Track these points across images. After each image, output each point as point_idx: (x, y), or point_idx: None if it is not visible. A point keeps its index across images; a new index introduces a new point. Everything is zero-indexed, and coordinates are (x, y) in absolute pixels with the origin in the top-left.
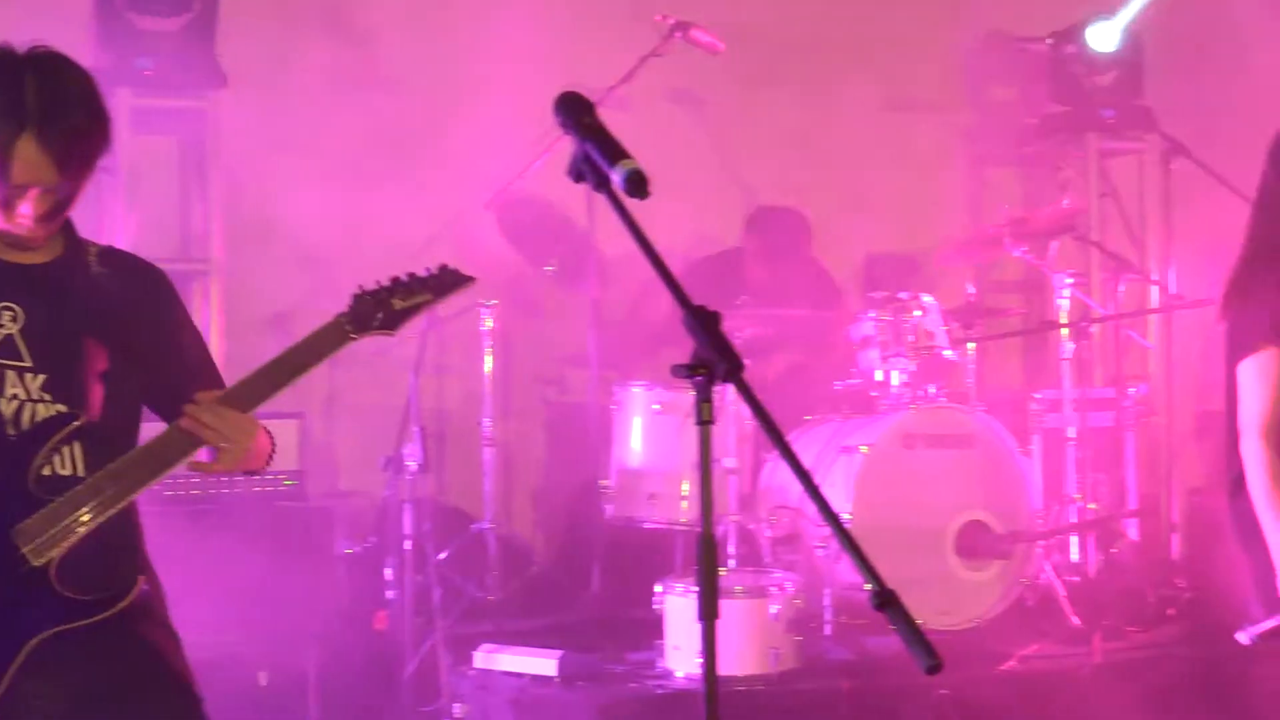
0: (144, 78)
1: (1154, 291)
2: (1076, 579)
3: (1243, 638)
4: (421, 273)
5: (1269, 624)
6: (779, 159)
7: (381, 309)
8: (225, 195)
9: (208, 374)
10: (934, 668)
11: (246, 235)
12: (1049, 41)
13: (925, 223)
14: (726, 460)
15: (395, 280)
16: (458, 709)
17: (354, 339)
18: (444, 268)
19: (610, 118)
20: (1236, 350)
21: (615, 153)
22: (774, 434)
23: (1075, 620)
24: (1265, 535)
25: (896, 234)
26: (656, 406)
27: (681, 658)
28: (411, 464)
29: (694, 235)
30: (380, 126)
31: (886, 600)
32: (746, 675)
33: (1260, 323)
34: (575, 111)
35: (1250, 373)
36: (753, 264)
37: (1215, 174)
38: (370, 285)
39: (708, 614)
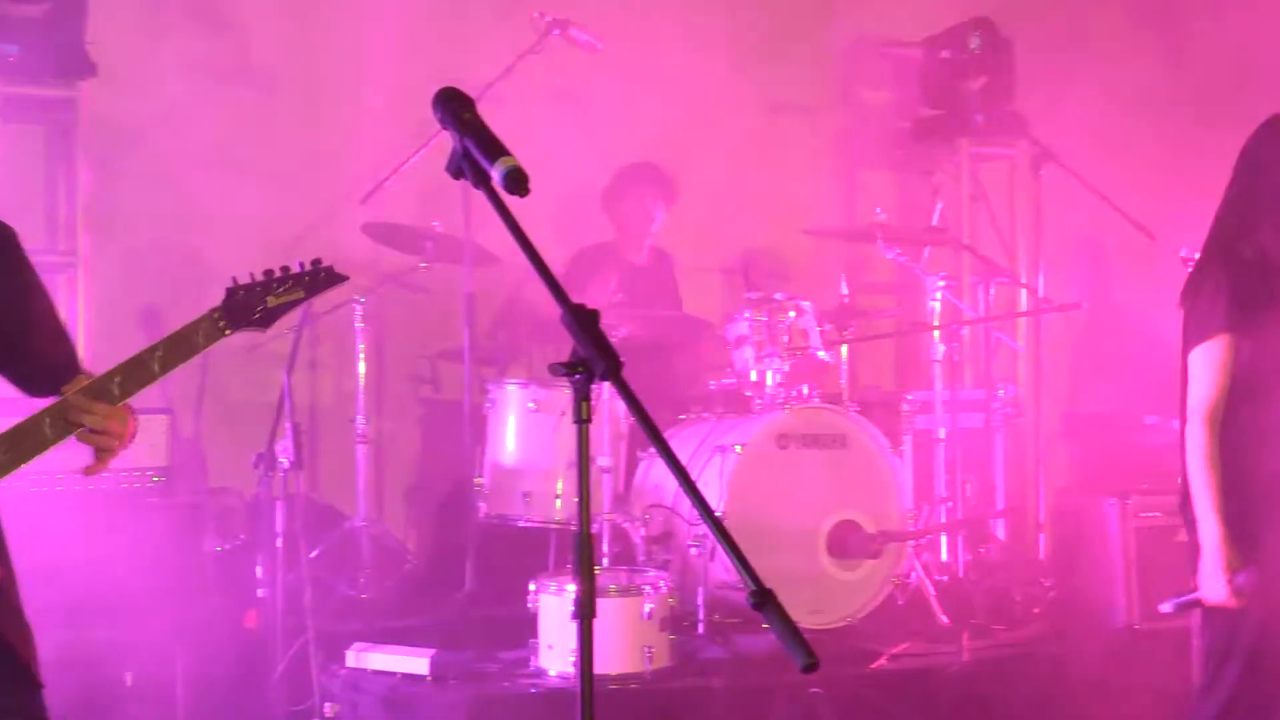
0: (10, 65)
1: (1023, 295)
2: (946, 578)
3: (1165, 607)
4: (295, 268)
5: (1188, 597)
6: (657, 158)
7: (255, 304)
8: (92, 186)
9: (59, 341)
10: (811, 666)
11: (114, 227)
12: (921, 46)
13: (799, 225)
14: (601, 459)
15: (269, 275)
16: (328, 708)
17: (227, 334)
18: (317, 264)
19: (488, 114)
20: (1190, 338)
21: (495, 149)
22: (653, 433)
23: (944, 619)
24: (1197, 514)
25: (771, 235)
26: (531, 404)
27: (555, 656)
28: (283, 461)
29: (573, 232)
30: (251, 119)
31: (764, 599)
32: (620, 674)
33: (1215, 312)
34: (454, 107)
35: (1200, 360)
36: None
37: (1083, 180)
38: (244, 279)
39: (585, 613)
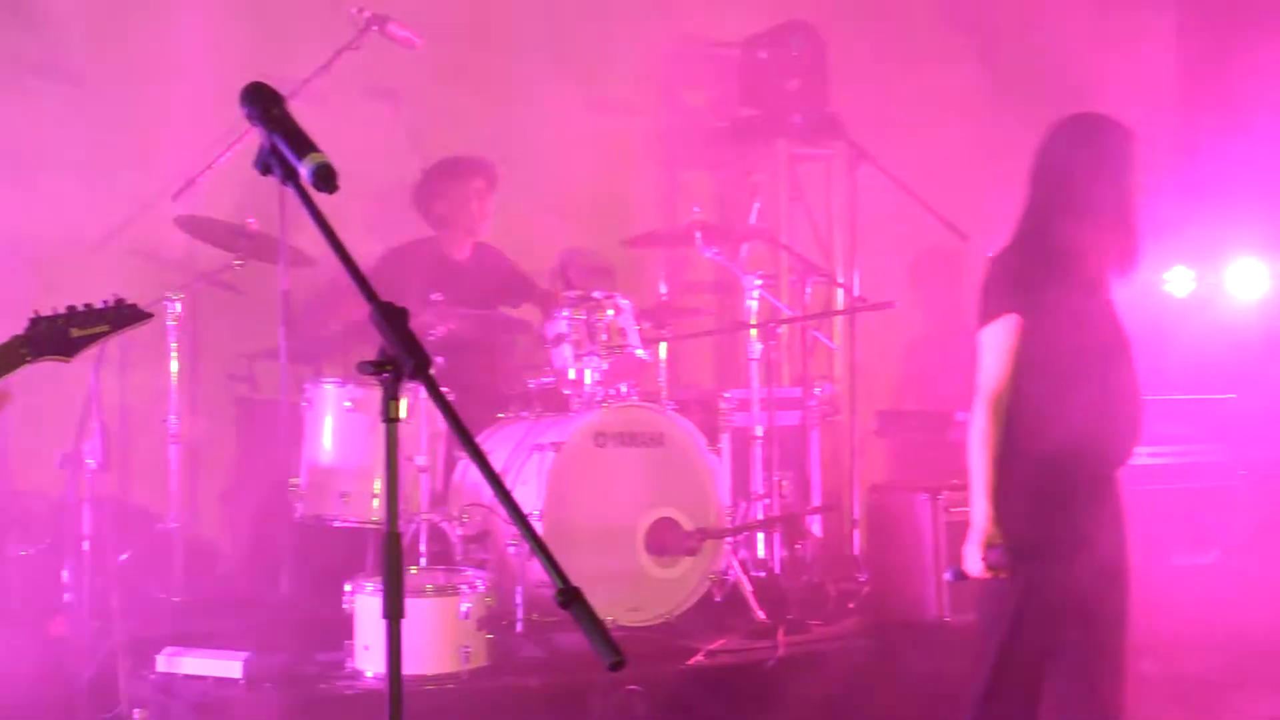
0: None
1: (839, 294)
2: (762, 574)
3: (947, 575)
4: (99, 304)
5: (958, 567)
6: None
7: (59, 335)
8: None
9: None
10: (617, 664)
11: None
12: (740, 47)
13: (619, 223)
14: (418, 458)
15: (72, 310)
16: (138, 714)
17: (29, 362)
18: (121, 302)
19: (304, 111)
20: (980, 318)
21: (303, 146)
22: (461, 432)
23: (761, 615)
24: (972, 490)
25: (592, 234)
26: (348, 404)
27: (371, 658)
28: (91, 462)
29: (393, 229)
30: (62, 115)
31: (570, 598)
32: (436, 674)
33: (1002, 294)
34: (263, 103)
35: (985, 341)
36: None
37: (897, 181)
38: (47, 311)
39: (392, 613)
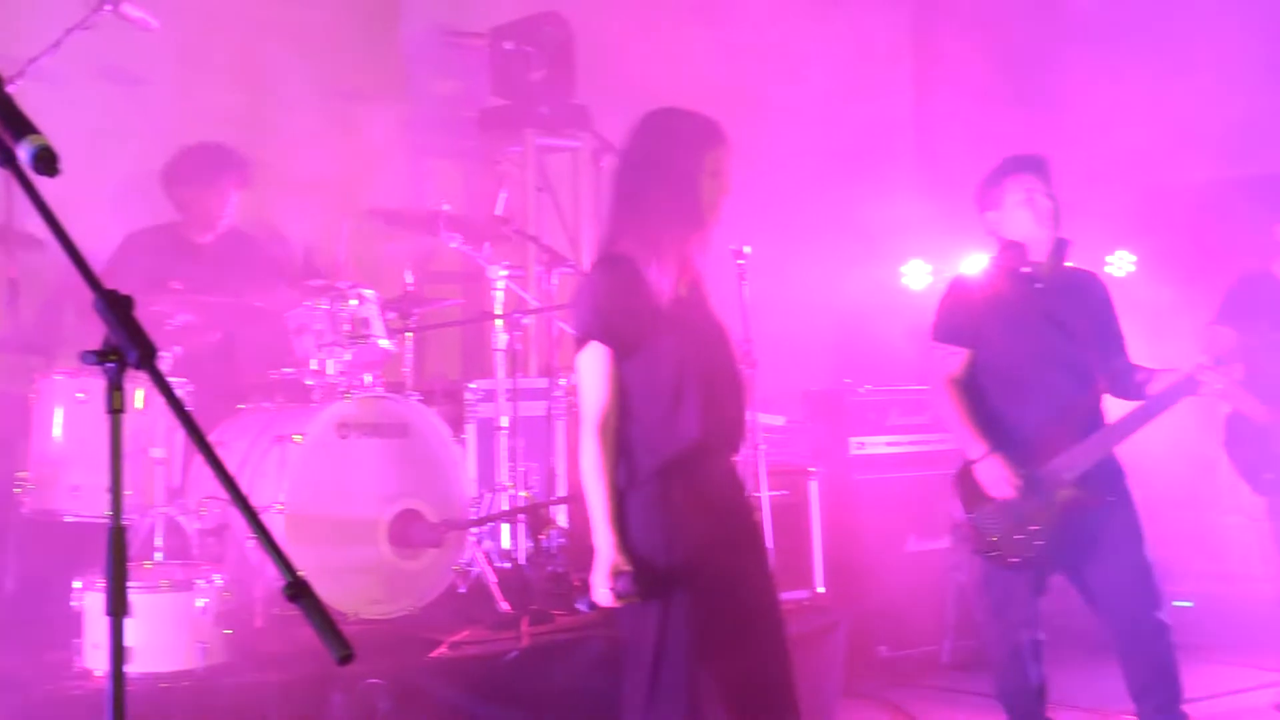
0: None
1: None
2: (507, 565)
3: (581, 605)
4: None
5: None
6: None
7: None
8: None
9: None
10: (346, 658)
11: None
12: (488, 36)
13: (364, 213)
14: (154, 450)
15: None
16: None
17: None
18: None
19: (33, 91)
20: (575, 342)
21: (22, 127)
22: (187, 424)
23: (505, 606)
24: (592, 519)
25: (336, 223)
26: (81, 395)
27: (102, 656)
28: None
29: (135, 214)
30: None
31: (299, 591)
32: (172, 671)
33: (587, 315)
34: None
35: (583, 367)
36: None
37: None
38: None
39: (116, 609)
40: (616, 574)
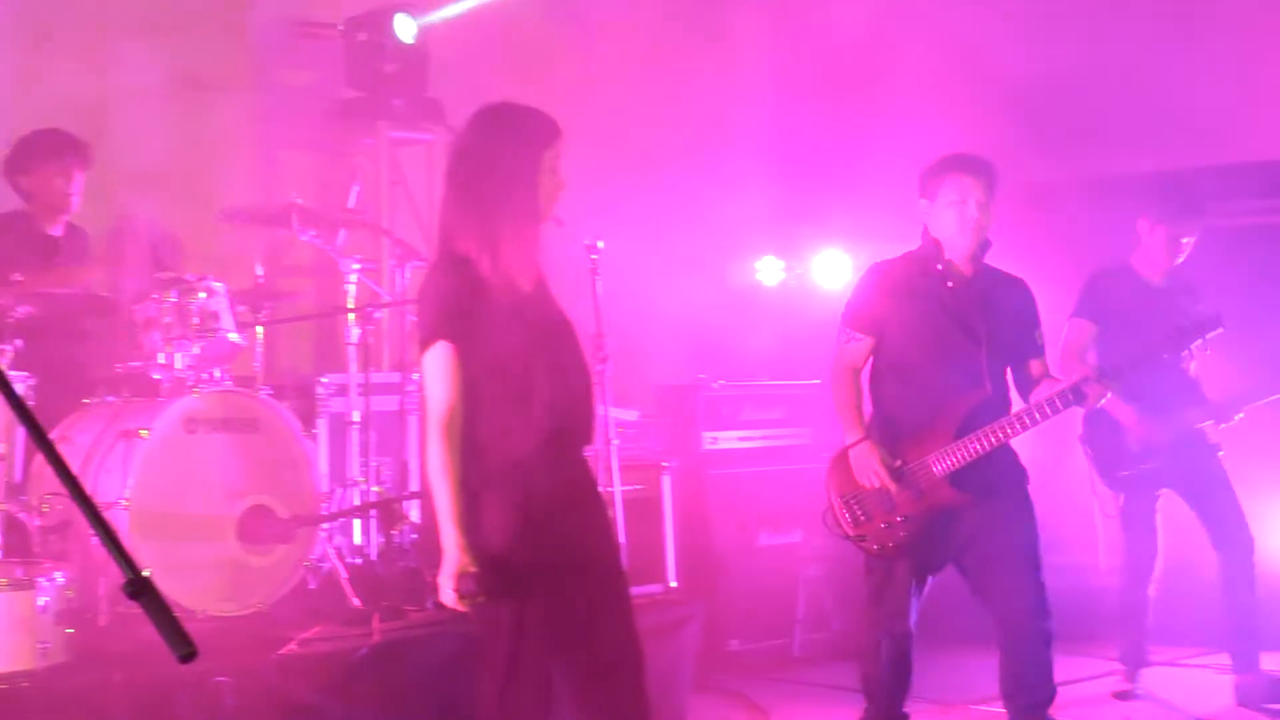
0: None
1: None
2: (359, 561)
3: (430, 605)
4: None
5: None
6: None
7: None
8: None
9: None
10: (189, 656)
11: None
12: (341, 28)
13: (214, 203)
14: None
15: None
16: None
17: None
18: None
19: None
20: (419, 342)
21: None
22: (24, 417)
23: (356, 602)
24: (439, 519)
25: (185, 214)
26: None
27: None
28: None
29: None
30: None
31: (140, 588)
32: (10, 672)
33: (435, 317)
34: None
35: (427, 366)
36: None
37: None
38: None
39: None
40: (462, 575)
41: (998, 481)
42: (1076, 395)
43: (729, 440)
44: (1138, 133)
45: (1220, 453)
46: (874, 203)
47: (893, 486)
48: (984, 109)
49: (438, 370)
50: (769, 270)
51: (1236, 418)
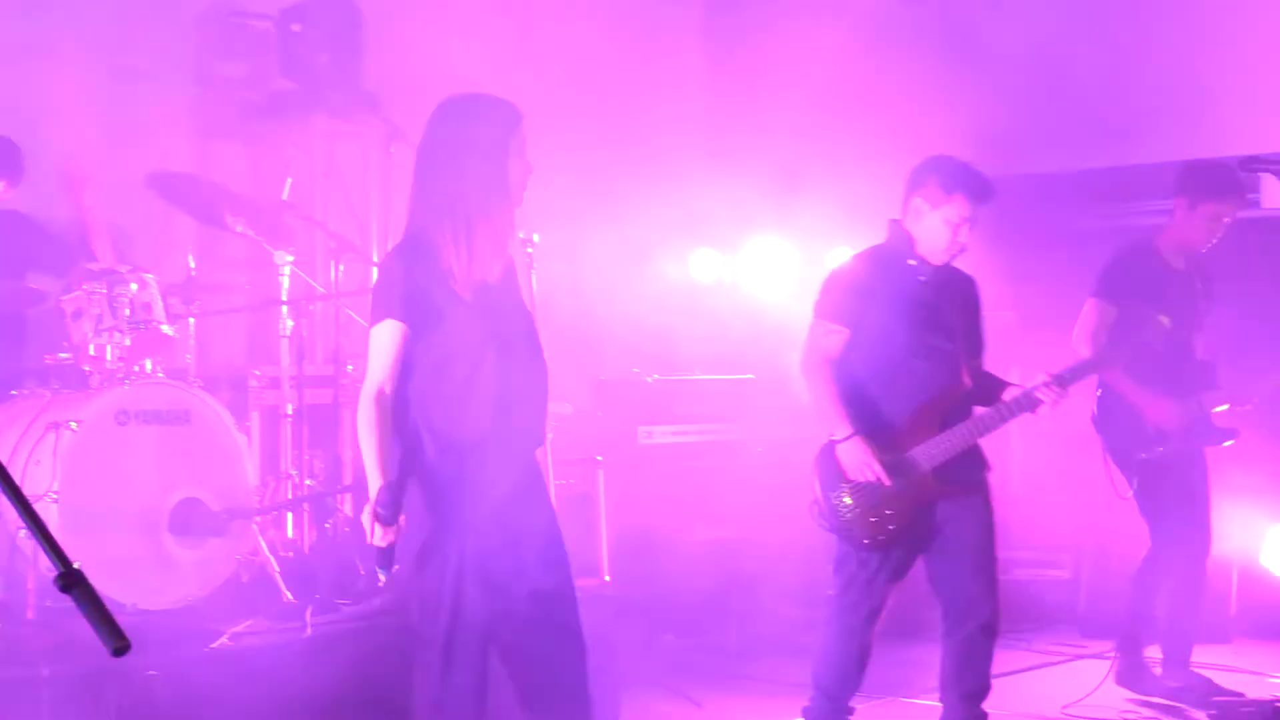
0: None
1: (373, 272)
2: (291, 554)
3: (381, 576)
4: None
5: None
6: None
7: None
8: None
9: None
10: (121, 650)
11: None
12: (275, 18)
13: (147, 196)
14: None
15: None
16: None
17: None
18: None
19: None
20: (370, 316)
21: None
22: None
23: (289, 595)
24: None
25: (116, 206)
26: None
27: None
28: None
29: None
30: None
31: (72, 581)
32: None
33: (384, 294)
34: None
35: (372, 340)
36: None
37: None
38: None
39: None
40: (379, 493)
41: (971, 474)
42: (1029, 401)
43: (664, 435)
44: (1067, 132)
45: (1229, 441)
46: (811, 197)
47: (887, 481)
48: (896, 104)
49: (381, 347)
50: (704, 264)
51: (1251, 402)
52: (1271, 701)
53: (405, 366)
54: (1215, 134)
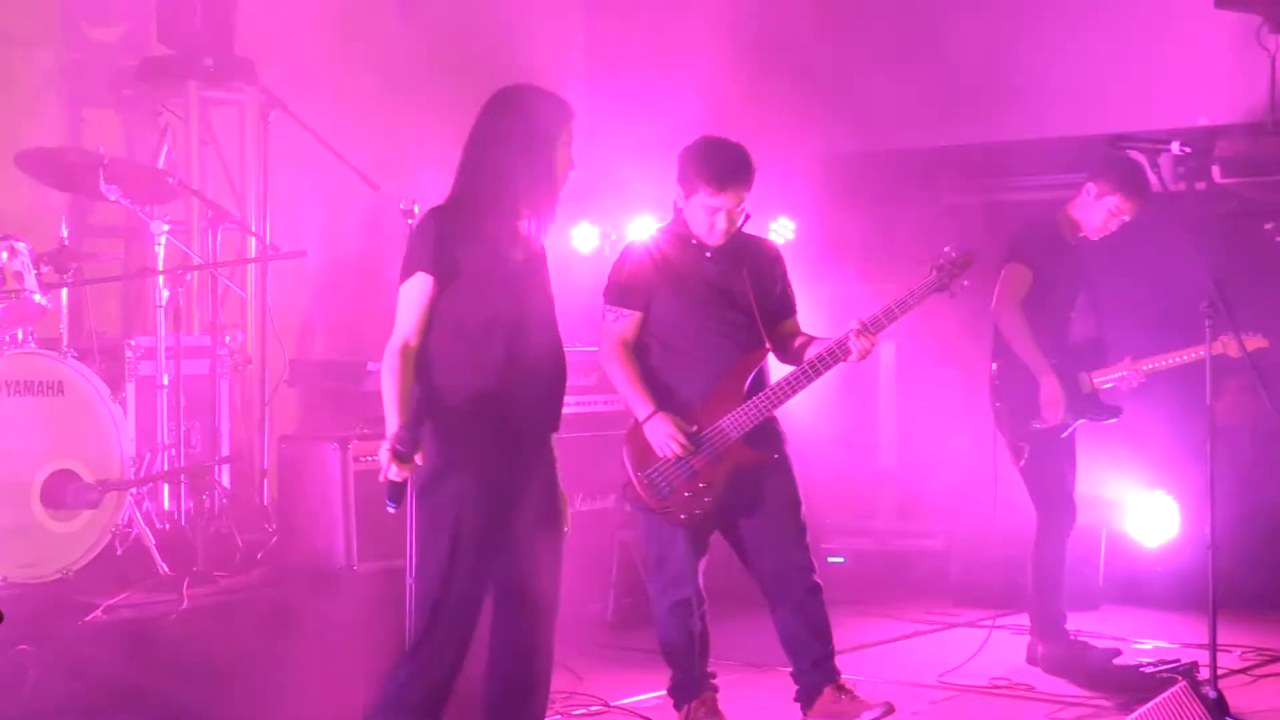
0: None
1: (251, 242)
2: (167, 526)
3: (390, 508)
4: None
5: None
6: None
7: None
8: None
9: None
10: None
11: None
12: None
13: (13, 161)
14: None
15: None
16: None
17: None
18: None
19: None
20: (401, 272)
21: None
22: None
23: (165, 567)
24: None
25: None
26: None
27: None
28: None
29: None
30: None
31: None
32: None
33: (418, 249)
34: None
35: (402, 294)
36: None
37: (309, 129)
38: None
39: None
40: (397, 435)
41: (772, 439)
42: (841, 350)
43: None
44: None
45: (1113, 419)
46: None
47: (694, 450)
48: (773, 78)
49: (409, 300)
50: (585, 237)
51: (1142, 375)
52: (1173, 664)
53: (429, 318)
54: (1089, 111)
